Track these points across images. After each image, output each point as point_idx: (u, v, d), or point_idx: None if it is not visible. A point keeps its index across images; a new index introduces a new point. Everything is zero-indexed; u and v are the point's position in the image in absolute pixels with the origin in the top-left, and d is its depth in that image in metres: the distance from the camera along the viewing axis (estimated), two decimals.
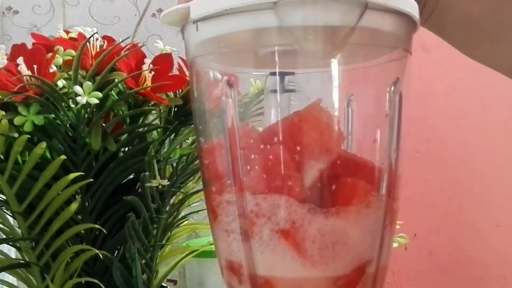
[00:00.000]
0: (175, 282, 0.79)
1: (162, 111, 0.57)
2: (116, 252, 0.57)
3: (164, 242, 0.60)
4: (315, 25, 0.30)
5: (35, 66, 0.50)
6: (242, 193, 0.32)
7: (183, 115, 0.57)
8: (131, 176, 0.58)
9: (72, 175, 0.50)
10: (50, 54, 0.52)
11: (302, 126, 0.32)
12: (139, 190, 0.55)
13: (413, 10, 0.33)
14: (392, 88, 0.34)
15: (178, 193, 0.59)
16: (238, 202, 0.33)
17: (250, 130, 0.34)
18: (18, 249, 0.55)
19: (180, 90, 0.58)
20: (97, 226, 0.52)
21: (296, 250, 0.32)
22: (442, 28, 0.40)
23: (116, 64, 0.53)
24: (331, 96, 0.33)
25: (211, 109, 0.35)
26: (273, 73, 0.34)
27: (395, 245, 0.61)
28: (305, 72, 0.35)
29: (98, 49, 0.55)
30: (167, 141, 0.58)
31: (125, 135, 0.56)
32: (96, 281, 0.51)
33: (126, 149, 0.57)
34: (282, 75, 0.34)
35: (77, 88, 0.49)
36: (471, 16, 0.38)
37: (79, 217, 0.54)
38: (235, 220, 0.33)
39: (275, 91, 0.34)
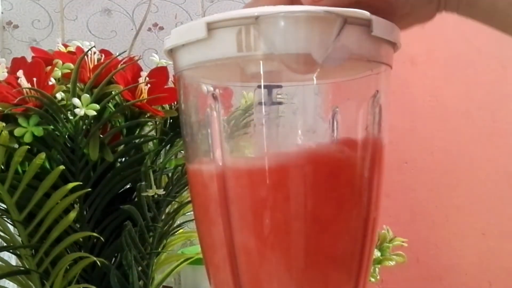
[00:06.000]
0: None
1: (157, 122, 0.58)
2: (114, 259, 0.57)
3: (160, 249, 0.60)
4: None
5: (34, 79, 0.50)
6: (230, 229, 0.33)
7: (178, 126, 0.58)
8: (128, 186, 0.59)
9: (71, 185, 0.51)
10: (49, 67, 0.53)
11: None
12: (136, 199, 0.56)
13: (394, 31, 0.34)
14: (372, 101, 0.35)
15: (173, 202, 0.60)
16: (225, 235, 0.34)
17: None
18: (19, 256, 0.55)
19: (175, 102, 0.58)
20: (95, 234, 0.53)
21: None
22: (473, 17, 0.38)
23: (113, 77, 0.54)
24: (315, 108, 0.34)
25: (198, 122, 0.36)
26: (261, 86, 0.34)
27: (392, 263, 0.61)
28: (290, 85, 0.36)
29: (95, 63, 0.56)
30: (162, 152, 0.59)
31: (122, 146, 0.57)
32: (94, 287, 0.52)
33: (123, 159, 0.58)
34: (270, 87, 0.34)
35: (75, 100, 0.50)
36: (498, 6, 0.36)
37: (78, 225, 0.55)
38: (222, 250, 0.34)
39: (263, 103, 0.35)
